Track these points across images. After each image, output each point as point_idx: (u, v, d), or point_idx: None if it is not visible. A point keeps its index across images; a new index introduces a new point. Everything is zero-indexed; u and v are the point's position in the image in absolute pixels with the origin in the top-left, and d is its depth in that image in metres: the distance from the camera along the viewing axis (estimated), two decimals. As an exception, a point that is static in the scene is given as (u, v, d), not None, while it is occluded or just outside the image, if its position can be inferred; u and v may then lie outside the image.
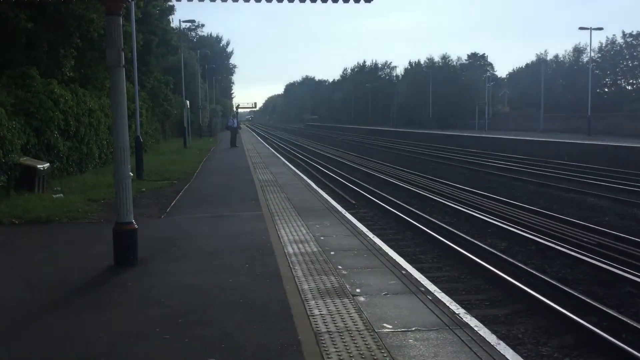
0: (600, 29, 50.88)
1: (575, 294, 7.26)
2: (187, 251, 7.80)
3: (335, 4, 7.20)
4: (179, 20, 63.92)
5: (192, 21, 47.17)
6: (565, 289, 7.47)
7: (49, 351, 4.47)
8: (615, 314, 6.55)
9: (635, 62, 73.55)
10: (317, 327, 4.82)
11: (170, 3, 34.42)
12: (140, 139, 18.80)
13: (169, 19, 37.95)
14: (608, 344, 5.70)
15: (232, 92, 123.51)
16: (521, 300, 7.23)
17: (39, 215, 10.26)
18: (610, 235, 10.56)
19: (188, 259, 7.38)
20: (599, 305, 6.82)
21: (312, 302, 5.46)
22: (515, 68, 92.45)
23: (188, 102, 37.03)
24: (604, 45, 74.36)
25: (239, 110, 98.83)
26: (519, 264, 8.71)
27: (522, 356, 4.51)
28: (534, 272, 8.28)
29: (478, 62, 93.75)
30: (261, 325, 4.88)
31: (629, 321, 6.34)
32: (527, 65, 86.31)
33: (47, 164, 13.51)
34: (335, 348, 4.38)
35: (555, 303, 6.77)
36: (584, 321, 6.21)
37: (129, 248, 7.00)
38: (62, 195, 12.71)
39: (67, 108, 15.91)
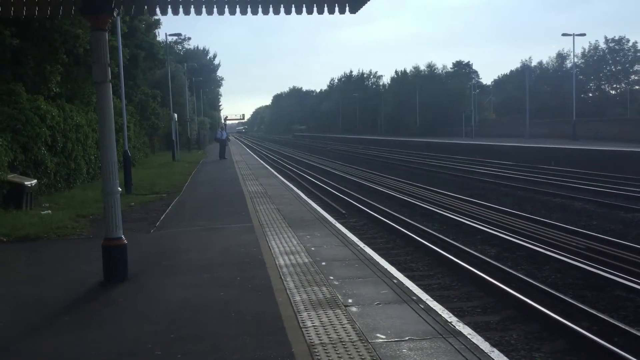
0: (583, 34, 51.51)
1: (566, 298, 7.30)
2: (178, 265, 7.76)
3: (320, 15, 7.26)
4: (165, 33, 63.36)
5: (179, 34, 46.96)
6: (556, 293, 7.51)
7: (40, 371, 4.42)
8: (606, 318, 6.58)
9: (618, 67, 74.55)
10: (310, 339, 4.81)
11: (156, 17, 34.40)
12: (129, 153, 18.73)
13: (155, 33, 37.87)
14: (600, 347, 5.73)
15: (220, 104, 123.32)
16: (513, 306, 7.25)
17: (27, 233, 10.15)
18: (599, 239, 10.63)
19: (179, 273, 7.34)
20: (590, 310, 6.86)
21: (305, 314, 5.44)
22: (500, 75, 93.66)
23: (176, 115, 36.96)
24: (587, 50, 75.45)
25: (227, 122, 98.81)
26: (509, 270, 8.75)
27: (515, 363, 4.52)
28: (525, 277, 8.32)
29: (463, 70, 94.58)
30: (254, 339, 4.86)
31: (620, 325, 6.37)
32: (511, 72, 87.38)
33: (35, 181, 13.40)
34: (329, 360, 4.37)
35: (546, 308, 6.80)
36: (575, 326, 6.24)
37: (119, 264, 6.94)
38: (50, 211, 12.59)
39: (54, 124, 15.82)
